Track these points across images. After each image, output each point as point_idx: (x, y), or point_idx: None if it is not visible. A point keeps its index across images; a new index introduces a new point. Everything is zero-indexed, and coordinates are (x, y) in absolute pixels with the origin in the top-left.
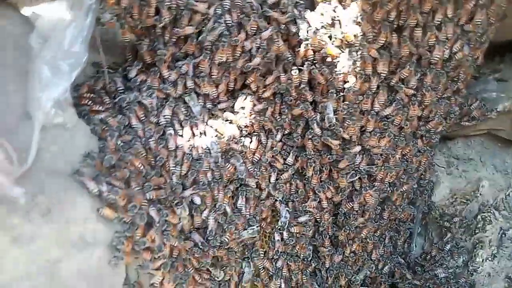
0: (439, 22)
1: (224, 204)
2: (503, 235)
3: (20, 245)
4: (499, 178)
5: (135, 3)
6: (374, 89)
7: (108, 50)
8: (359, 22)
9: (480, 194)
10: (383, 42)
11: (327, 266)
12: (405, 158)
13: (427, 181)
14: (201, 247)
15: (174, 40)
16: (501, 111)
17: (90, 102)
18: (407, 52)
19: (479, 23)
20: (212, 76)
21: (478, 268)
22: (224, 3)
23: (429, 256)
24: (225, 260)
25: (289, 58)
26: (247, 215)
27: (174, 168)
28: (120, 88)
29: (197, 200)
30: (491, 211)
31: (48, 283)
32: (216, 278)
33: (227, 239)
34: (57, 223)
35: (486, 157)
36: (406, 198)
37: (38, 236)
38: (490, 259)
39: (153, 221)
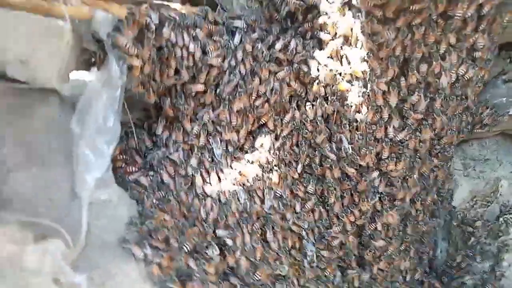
0: (444, 51)
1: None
2: None
3: None
4: None
5: (156, 68)
6: (386, 118)
7: (131, 106)
8: (366, 60)
9: (500, 195)
10: (392, 76)
11: (356, 286)
12: (422, 176)
13: (446, 190)
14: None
15: (194, 94)
16: None
17: (123, 164)
18: (415, 81)
19: (481, 46)
20: (233, 124)
21: (505, 272)
22: (238, 55)
23: (455, 263)
24: None
25: (303, 96)
26: (276, 249)
27: (205, 215)
28: (149, 146)
29: (229, 242)
30: None
31: None
32: None
33: (259, 275)
34: None
35: (502, 156)
36: (428, 212)
37: None
38: None
39: (193, 271)
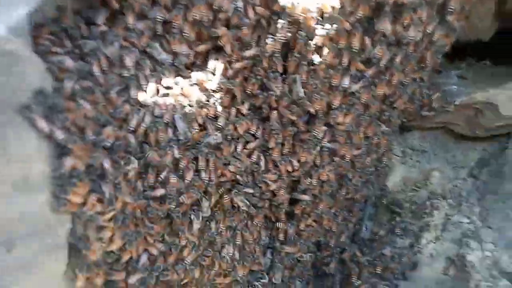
0: (417, 3)
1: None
2: (448, 220)
3: None
4: (448, 170)
5: None
6: (345, 64)
7: None
8: None
9: (430, 183)
10: (361, 15)
11: (280, 239)
12: (367, 138)
13: (383, 165)
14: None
15: None
16: (458, 105)
17: (48, 43)
18: (383, 29)
19: (452, 9)
20: (185, 34)
21: (422, 249)
22: None
23: (377, 237)
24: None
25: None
26: (205, 179)
27: (134, 123)
28: (84, 35)
29: (155, 157)
30: (439, 199)
31: None
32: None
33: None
34: None
35: (438, 151)
36: (364, 178)
37: None
38: (433, 241)
39: (106, 172)
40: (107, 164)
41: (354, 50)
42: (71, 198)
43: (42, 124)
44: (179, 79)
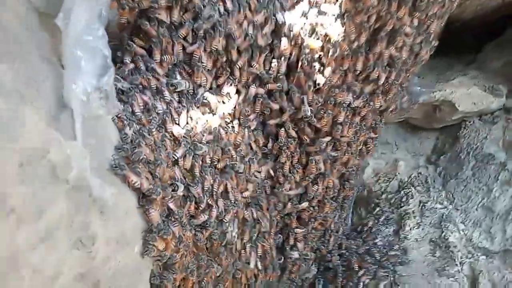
0: (408, 28)
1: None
2: (423, 207)
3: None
4: (410, 159)
5: None
6: (349, 83)
7: None
8: (342, 22)
9: (398, 173)
10: (363, 42)
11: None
12: (362, 144)
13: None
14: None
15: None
16: (421, 103)
17: None
18: (380, 50)
19: (433, 31)
20: (203, 64)
21: (408, 235)
22: None
23: (366, 228)
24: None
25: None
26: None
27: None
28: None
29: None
30: (411, 188)
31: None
32: None
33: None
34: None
35: (399, 141)
36: (357, 177)
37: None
38: (416, 227)
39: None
40: (172, 205)
41: (357, 71)
42: (157, 245)
43: (134, 178)
44: (201, 109)
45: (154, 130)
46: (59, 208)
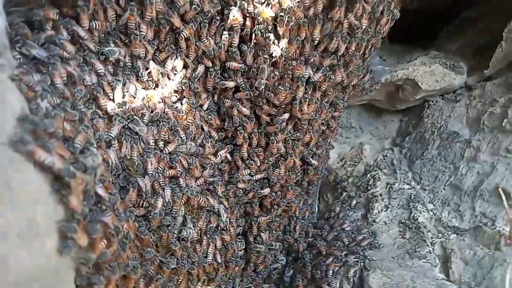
0: None
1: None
2: (390, 189)
3: None
4: (375, 142)
5: None
6: (307, 54)
7: None
8: None
9: (364, 157)
10: (321, 8)
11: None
12: (323, 123)
13: (330, 146)
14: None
15: None
16: (383, 83)
17: None
18: (339, 17)
19: None
20: (142, 34)
21: (376, 219)
22: None
23: (333, 214)
24: None
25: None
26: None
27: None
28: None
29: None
30: (377, 170)
31: None
32: None
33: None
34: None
35: (363, 125)
36: (323, 162)
37: None
38: (384, 210)
39: (102, 200)
40: (101, 191)
41: (315, 42)
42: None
43: (43, 155)
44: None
45: (81, 105)
46: None
